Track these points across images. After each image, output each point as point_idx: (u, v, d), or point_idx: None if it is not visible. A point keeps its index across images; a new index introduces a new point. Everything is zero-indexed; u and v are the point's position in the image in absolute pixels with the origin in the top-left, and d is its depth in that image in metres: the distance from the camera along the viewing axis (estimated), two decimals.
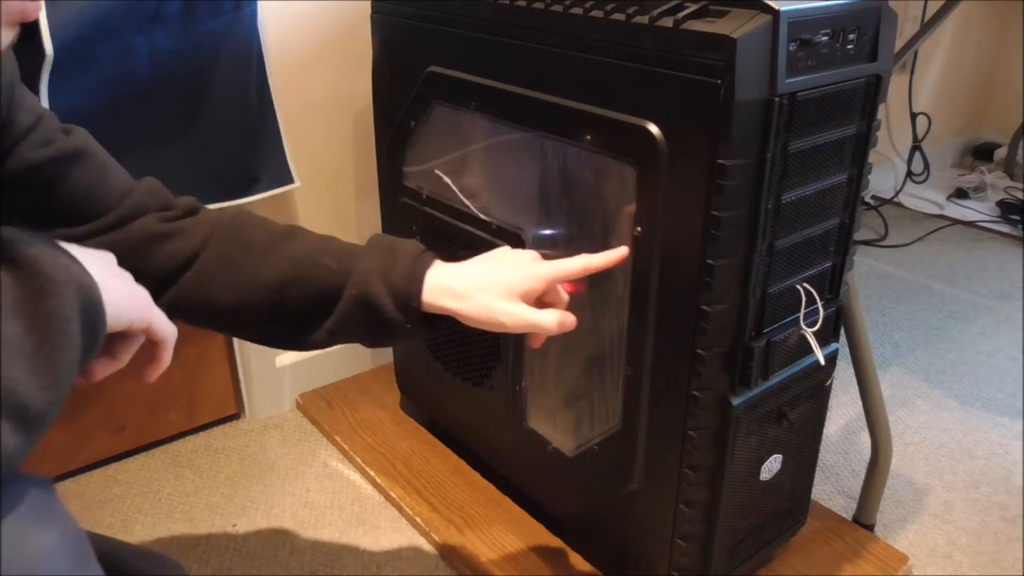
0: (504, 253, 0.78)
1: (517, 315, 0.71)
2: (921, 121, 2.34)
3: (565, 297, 0.77)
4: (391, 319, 0.71)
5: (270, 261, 0.72)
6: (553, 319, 0.72)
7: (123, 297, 0.53)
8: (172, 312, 0.63)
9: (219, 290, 0.72)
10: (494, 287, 0.72)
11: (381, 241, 0.75)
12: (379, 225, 1.20)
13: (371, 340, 0.75)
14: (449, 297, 0.72)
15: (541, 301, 0.75)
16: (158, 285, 0.71)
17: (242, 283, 0.72)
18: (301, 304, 0.72)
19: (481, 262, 0.76)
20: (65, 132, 0.70)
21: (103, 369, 0.58)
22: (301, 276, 0.72)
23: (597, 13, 0.76)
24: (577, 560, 1.03)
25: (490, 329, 0.73)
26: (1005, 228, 2.18)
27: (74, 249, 0.50)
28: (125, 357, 0.59)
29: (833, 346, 0.89)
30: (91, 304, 0.47)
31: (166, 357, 0.60)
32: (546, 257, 0.76)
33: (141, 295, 0.56)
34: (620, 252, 0.77)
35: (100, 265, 0.52)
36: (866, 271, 1.93)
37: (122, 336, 0.57)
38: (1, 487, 0.43)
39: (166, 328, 0.58)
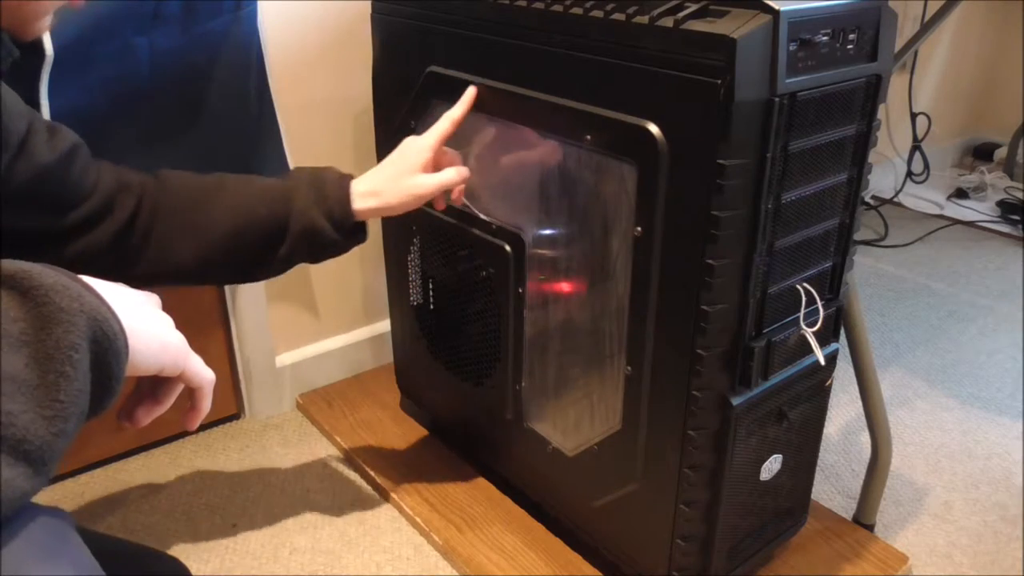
0: (396, 151, 0.92)
1: (425, 182, 0.89)
2: (921, 121, 2.34)
3: (456, 155, 0.95)
4: (333, 240, 0.87)
5: (215, 218, 0.84)
6: (453, 173, 0.91)
7: (153, 342, 0.52)
8: (147, 282, 0.65)
9: (182, 254, 0.83)
10: (398, 173, 0.89)
11: (304, 175, 0.89)
12: (379, 225, 1.20)
13: (316, 259, 0.90)
14: (372, 198, 0.88)
15: (439, 166, 0.92)
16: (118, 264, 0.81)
17: (199, 243, 0.83)
18: (253, 246, 0.85)
19: (382, 163, 0.92)
20: (52, 129, 0.74)
21: (147, 413, 0.58)
22: (247, 224, 0.84)
23: (597, 13, 0.76)
24: (577, 560, 1.03)
25: (414, 205, 0.89)
26: (1005, 228, 2.18)
27: (104, 286, 0.48)
28: (168, 400, 0.58)
29: (833, 346, 0.89)
30: (104, 335, 0.45)
31: (205, 404, 0.59)
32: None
33: (175, 341, 0.54)
34: (470, 91, 0.91)
35: (132, 307, 0.51)
36: (866, 271, 1.93)
37: (165, 380, 0.57)
38: (9, 521, 0.41)
39: (203, 375, 0.57)
